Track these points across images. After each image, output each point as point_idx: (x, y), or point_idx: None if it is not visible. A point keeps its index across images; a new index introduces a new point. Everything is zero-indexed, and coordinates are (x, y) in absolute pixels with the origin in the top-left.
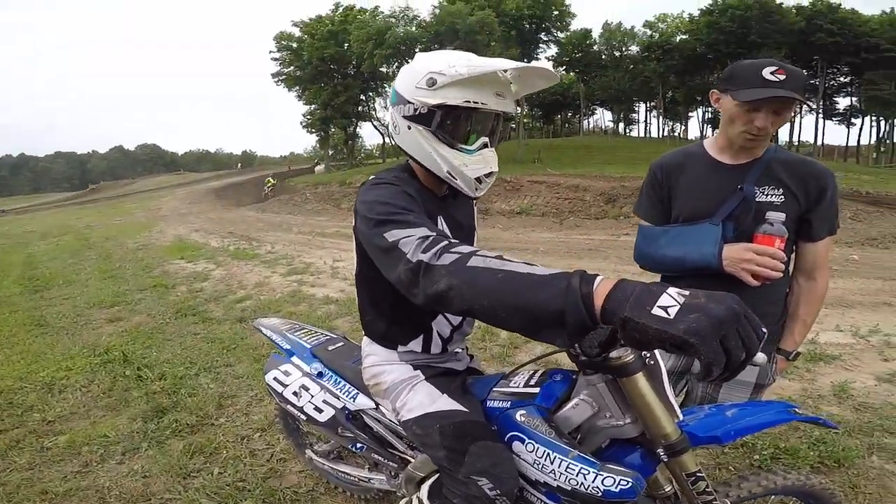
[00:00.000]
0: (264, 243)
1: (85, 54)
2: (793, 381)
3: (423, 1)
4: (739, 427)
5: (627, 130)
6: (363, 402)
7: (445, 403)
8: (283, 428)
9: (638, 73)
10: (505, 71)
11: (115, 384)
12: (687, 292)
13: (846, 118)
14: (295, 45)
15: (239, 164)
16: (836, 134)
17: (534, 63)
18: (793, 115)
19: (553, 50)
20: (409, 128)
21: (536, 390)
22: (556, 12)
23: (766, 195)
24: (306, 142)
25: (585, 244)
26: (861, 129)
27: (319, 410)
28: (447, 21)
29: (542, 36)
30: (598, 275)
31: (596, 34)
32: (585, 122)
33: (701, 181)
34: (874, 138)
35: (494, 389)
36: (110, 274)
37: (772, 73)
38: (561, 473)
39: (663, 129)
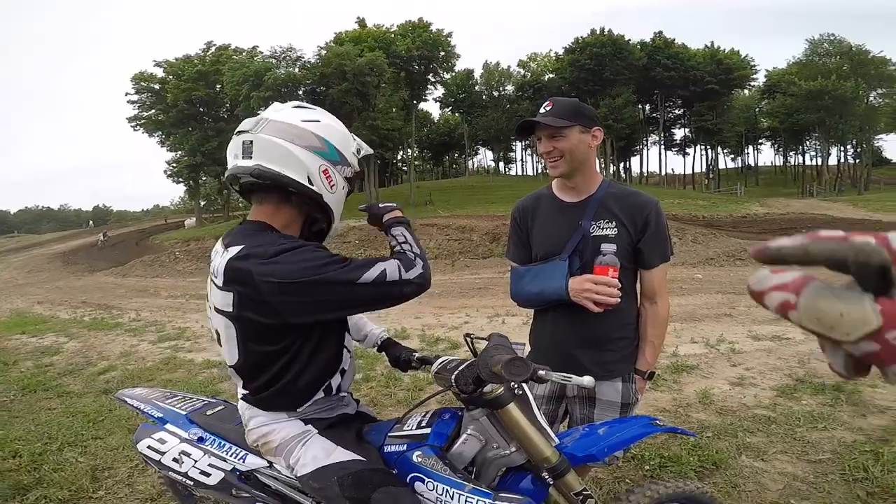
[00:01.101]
0: (127, 311)
1: None
2: (663, 393)
3: (308, 42)
4: (611, 443)
5: (507, 169)
6: (254, 461)
7: (341, 455)
8: (173, 495)
9: (514, 112)
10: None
11: None
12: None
13: (682, 148)
14: (157, 86)
15: (91, 222)
16: (678, 163)
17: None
18: (597, 137)
19: (440, 91)
20: (344, 188)
21: (428, 431)
22: (442, 53)
23: (602, 229)
24: (173, 193)
25: (476, 283)
26: (694, 157)
27: (207, 474)
28: (334, 62)
29: (430, 77)
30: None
31: (478, 74)
32: (470, 163)
33: (549, 222)
34: (705, 166)
35: (389, 435)
36: None
37: (543, 107)
38: None
39: (537, 167)
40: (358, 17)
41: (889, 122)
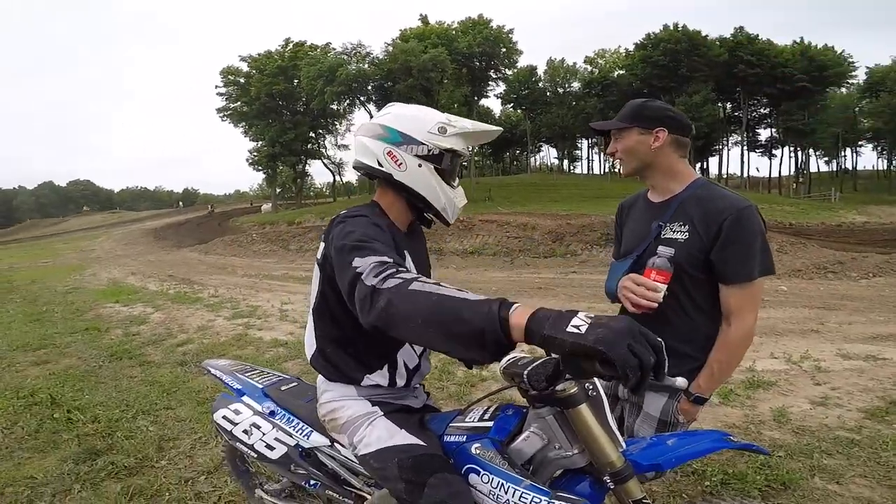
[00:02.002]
0: (207, 286)
1: (9, 79)
2: (735, 409)
3: (375, 39)
4: (679, 454)
5: (571, 167)
6: (317, 439)
7: (404, 438)
8: (231, 470)
9: (580, 109)
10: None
11: (42, 426)
12: (593, 315)
13: (768, 149)
14: (242, 80)
15: (180, 203)
16: (762, 165)
17: (496, 128)
18: (659, 138)
19: (501, 87)
20: (420, 165)
21: (490, 424)
22: (503, 49)
23: (674, 231)
24: (252, 179)
25: (536, 283)
26: (781, 160)
27: (271, 448)
28: (401, 59)
29: (492, 73)
30: (516, 303)
31: (541, 71)
32: (532, 160)
33: (636, 220)
34: (793, 169)
35: (451, 425)
36: (36, 317)
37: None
38: (515, 503)
39: (604, 166)
40: (421, 14)
41: None
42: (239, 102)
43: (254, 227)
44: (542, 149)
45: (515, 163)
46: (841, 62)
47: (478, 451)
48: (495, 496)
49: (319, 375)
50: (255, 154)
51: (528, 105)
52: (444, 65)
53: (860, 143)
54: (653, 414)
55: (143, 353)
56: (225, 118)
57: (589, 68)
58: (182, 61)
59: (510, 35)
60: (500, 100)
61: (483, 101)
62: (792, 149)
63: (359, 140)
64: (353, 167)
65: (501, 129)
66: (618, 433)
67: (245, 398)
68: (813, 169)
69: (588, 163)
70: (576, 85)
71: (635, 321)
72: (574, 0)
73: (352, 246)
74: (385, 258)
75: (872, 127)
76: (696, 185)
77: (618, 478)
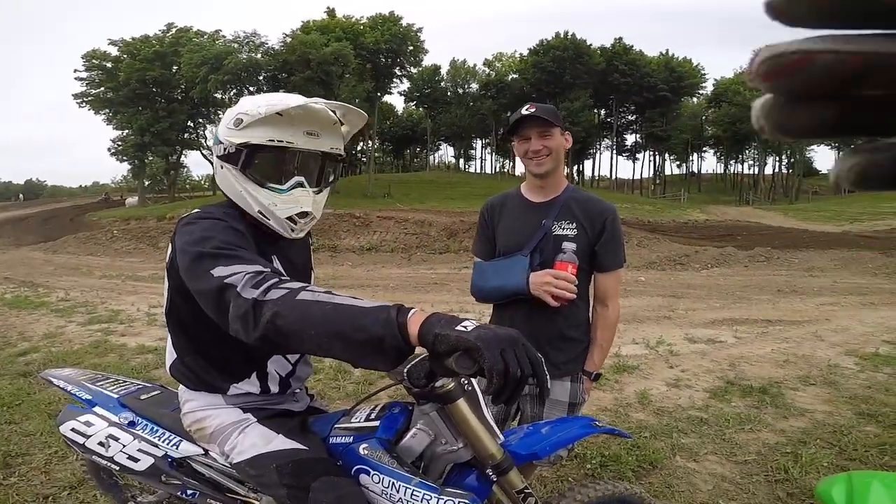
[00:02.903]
0: (55, 289)
1: None
2: (606, 392)
3: (274, 30)
4: (553, 442)
5: (466, 166)
6: (188, 448)
7: (281, 443)
8: (96, 484)
9: (477, 109)
10: (333, 111)
11: None
12: (483, 323)
13: (632, 153)
14: (109, 64)
15: (21, 195)
16: (628, 168)
17: (322, 102)
18: (569, 141)
19: (405, 85)
20: (222, 167)
21: (377, 423)
22: (410, 47)
23: (563, 229)
24: (115, 170)
25: (431, 278)
26: (643, 163)
27: (135, 460)
28: (299, 50)
29: (397, 70)
30: (412, 307)
31: (444, 71)
32: (432, 158)
33: (514, 219)
34: (652, 172)
35: (336, 426)
36: None
37: (526, 109)
38: (407, 500)
39: (496, 166)
40: (327, 7)
41: None
42: (103, 88)
43: (115, 222)
44: (441, 147)
45: (416, 160)
46: (696, 74)
47: (366, 452)
48: (388, 495)
49: (181, 386)
50: (120, 143)
51: (429, 104)
52: (347, 59)
53: (704, 148)
54: (562, 399)
55: None
56: (84, 104)
57: (487, 70)
58: (29, 39)
59: (418, 34)
60: (403, 97)
61: (386, 98)
62: (651, 153)
63: None
64: None
65: (321, 100)
66: (495, 426)
67: (97, 409)
68: (668, 172)
69: (481, 162)
70: (475, 86)
71: (521, 334)
72: (485, 3)
73: (210, 253)
74: (259, 267)
75: (715, 134)
76: (570, 189)
77: (499, 469)
